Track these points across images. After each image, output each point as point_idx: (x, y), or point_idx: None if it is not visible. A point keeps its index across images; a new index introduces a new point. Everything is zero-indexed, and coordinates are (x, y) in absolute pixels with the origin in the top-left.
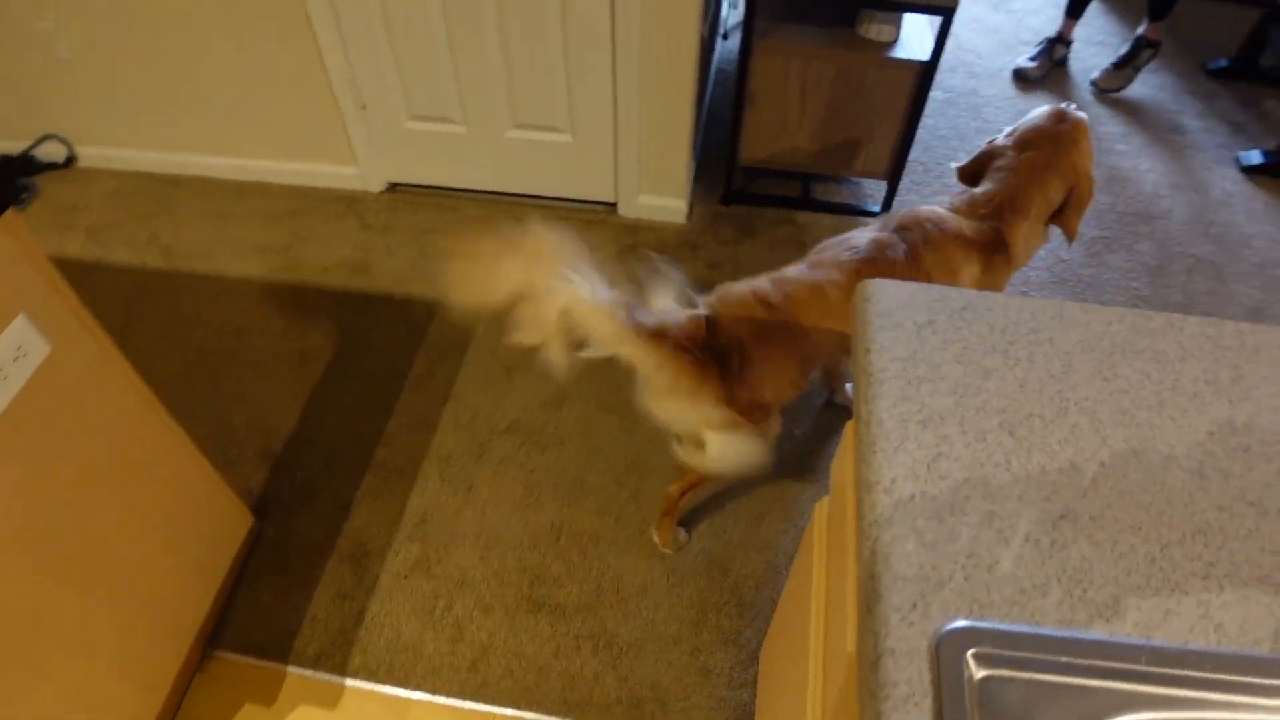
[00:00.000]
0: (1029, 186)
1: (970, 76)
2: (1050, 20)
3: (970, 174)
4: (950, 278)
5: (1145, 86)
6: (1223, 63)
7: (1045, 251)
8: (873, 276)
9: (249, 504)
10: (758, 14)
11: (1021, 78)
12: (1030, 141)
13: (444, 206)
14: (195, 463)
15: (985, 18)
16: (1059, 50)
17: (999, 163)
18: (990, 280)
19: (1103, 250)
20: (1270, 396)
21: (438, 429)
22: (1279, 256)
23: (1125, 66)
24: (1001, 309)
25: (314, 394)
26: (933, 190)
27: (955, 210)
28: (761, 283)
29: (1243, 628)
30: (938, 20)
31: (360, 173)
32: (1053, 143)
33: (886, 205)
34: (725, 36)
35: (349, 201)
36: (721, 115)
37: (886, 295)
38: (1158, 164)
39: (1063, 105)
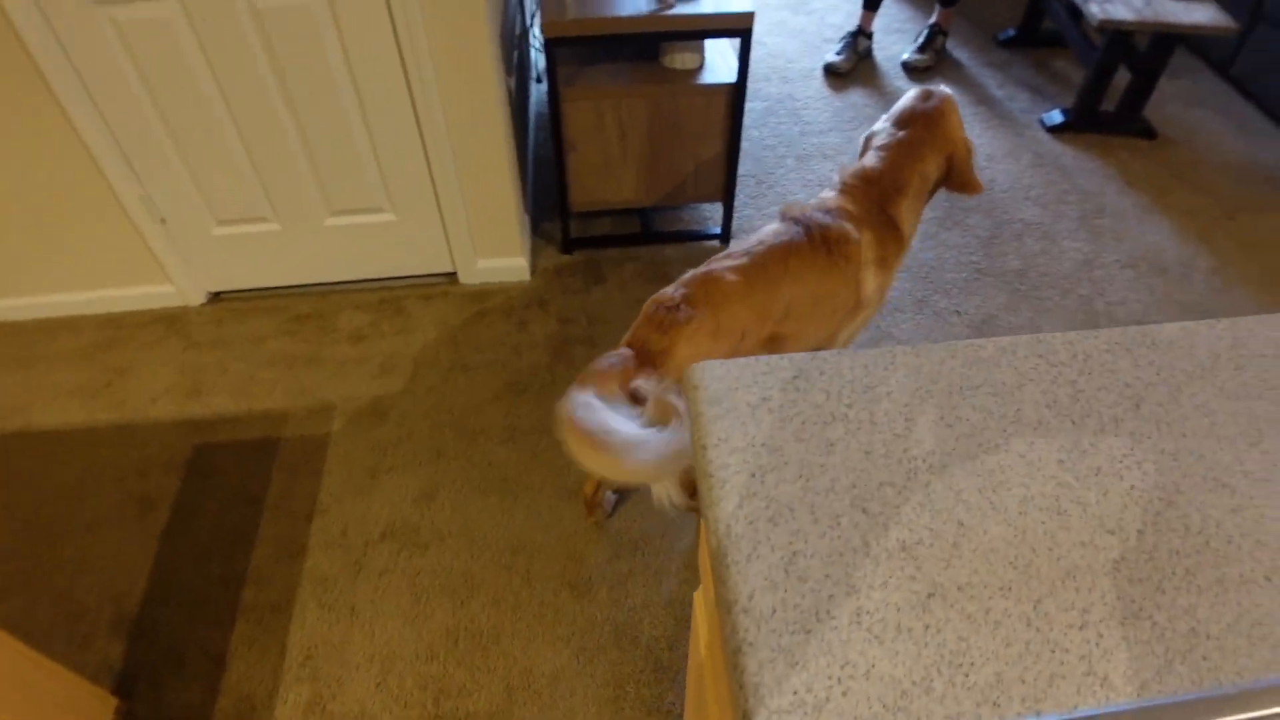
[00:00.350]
0: (909, 163)
1: (784, 81)
2: (849, 16)
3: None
4: (851, 251)
5: (947, 65)
6: (1011, 33)
7: None
8: (781, 260)
9: (109, 684)
10: (560, 62)
11: (832, 73)
12: (904, 122)
13: (274, 308)
14: (34, 665)
15: (788, 21)
16: (862, 43)
17: (879, 140)
18: (886, 254)
19: (938, 231)
20: (1109, 406)
21: (307, 552)
22: (1095, 208)
23: (926, 50)
24: (834, 369)
25: (163, 543)
26: (769, 201)
27: (847, 190)
28: (668, 290)
29: (1127, 675)
30: (739, 40)
31: (175, 289)
32: (924, 119)
33: (726, 225)
34: (539, 80)
35: (168, 321)
36: (546, 158)
37: (713, 378)
38: (972, 138)
39: (929, 86)
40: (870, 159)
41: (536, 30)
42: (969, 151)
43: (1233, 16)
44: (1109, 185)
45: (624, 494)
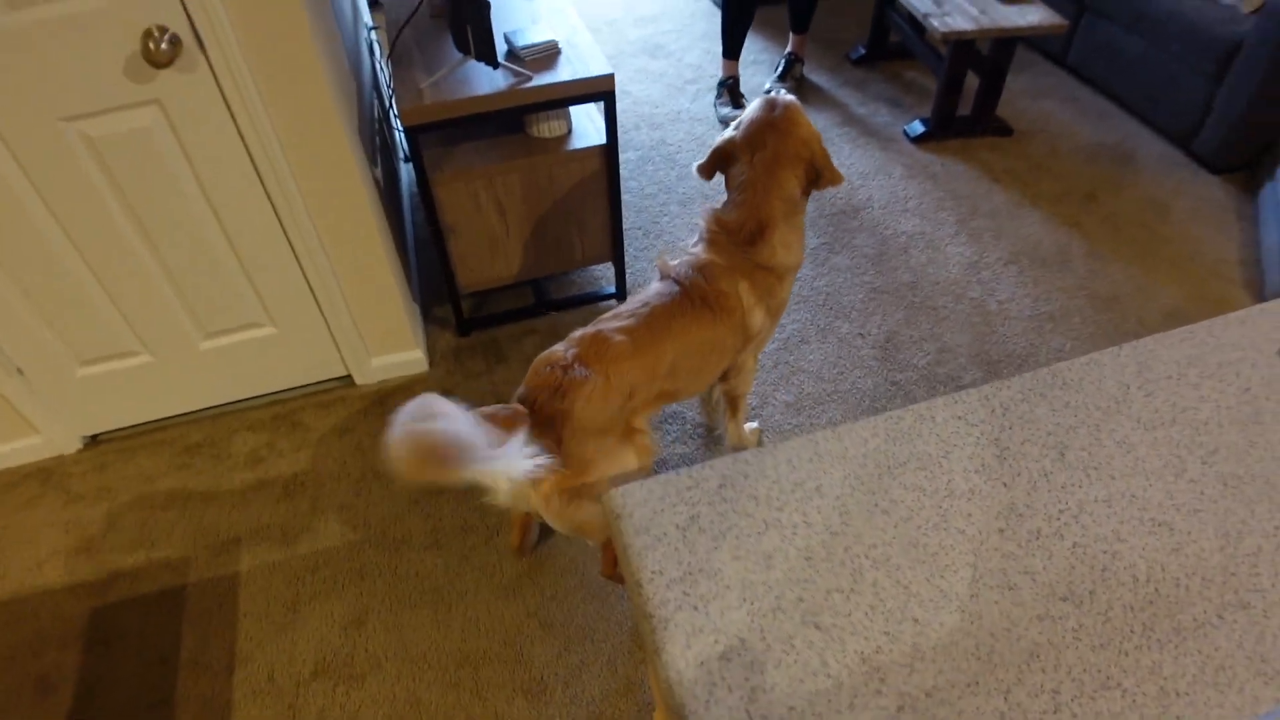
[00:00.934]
0: (768, 198)
1: (654, 128)
2: (705, 54)
3: (710, 169)
4: (731, 304)
5: (807, 89)
6: (861, 51)
7: None
8: (664, 321)
9: None
10: (424, 148)
11: (726, 121)
12: (755, 139)
13: (160, 442)
14: None
15: (647, 67)
16: (736, 87)
17: (735, 170)
18: (768, 290)
19: (828, 256)
20: (1036, 460)
21: (234, 708)
22: (969, 210)
23: (786, 79)
24: (759, 470)
25: None
26: (659, 251)
27: (712, 241)
28: (558, 348)
29: None
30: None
31: (44, 439)
32: (775, 133)
33: (620, 283)
34: (407, 160)
35: (43, 475)
36: (428, 238)
37: (637, 503)
38: (845, 159)
39: (770, 94)
40: (730, 205)
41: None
42: (824, 153)
43: (1060, 13)
44: (978, 186)
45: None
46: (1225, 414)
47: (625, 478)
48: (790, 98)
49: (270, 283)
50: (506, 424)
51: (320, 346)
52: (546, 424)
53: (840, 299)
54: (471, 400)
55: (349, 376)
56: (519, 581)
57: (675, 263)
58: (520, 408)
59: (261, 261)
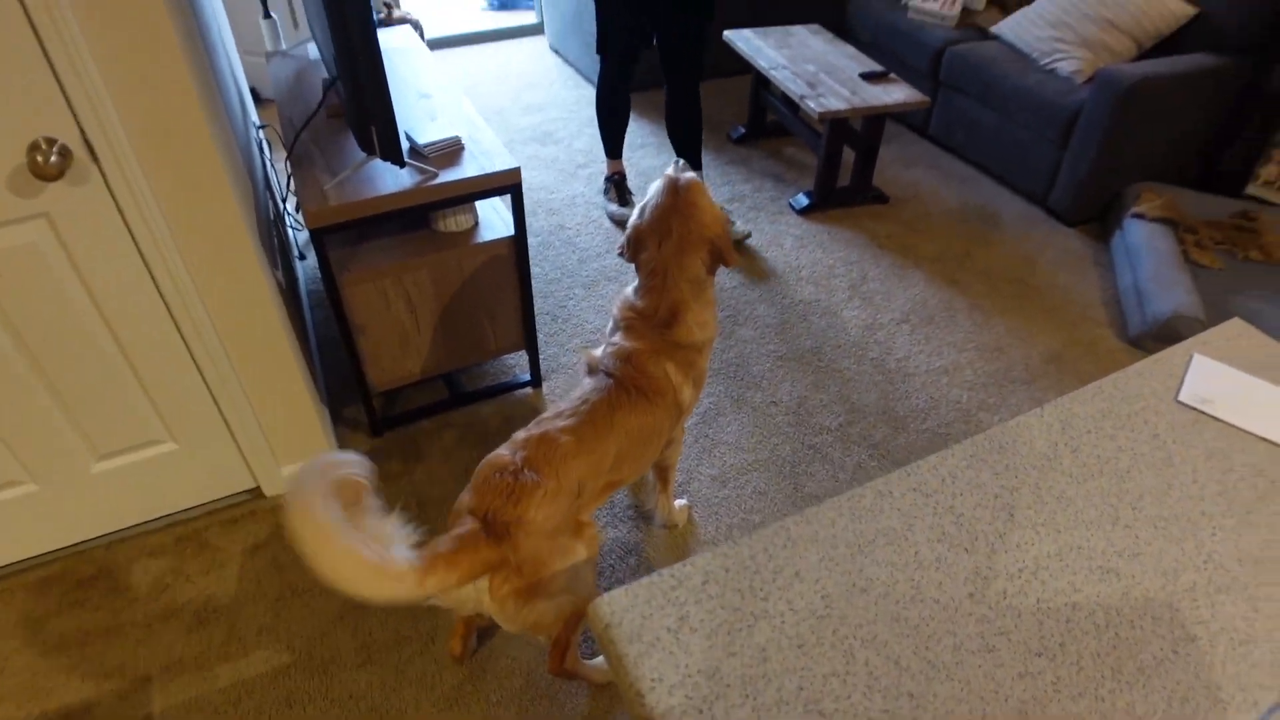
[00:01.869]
0: (677, 283)
1: (551, 213)
2: (593, 140)
3: (632, 253)
4: (663, 386)
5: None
6: (741, 130)
7: None
8: (606, 415)
9: None
10: (329, 248)
11: (618, 221)
12: (660, 225)
13: (49, 579)
14: None
15: (538, 153)
16: (622, 183)
17: (645, 256)
18: (692, 366)
19: (734, 329)
20: (989, 523)
21: None
22: (860, 275)
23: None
24: (738, 563)
25: None
26: (569, 335)
27: (629, 328)
28: (504, 453)
29: None
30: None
31: None
32: (678, 218)
33: (534, 369)
34: (303, 257)
35: None
36: (332, 337)
37: (624, 609)
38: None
39: (671, 173)
40: (641, 290)
41: (291, 208)
42: (725, 234)
43: (919, 89)
44: (865, 252)
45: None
46: (1142, 460)
47: (575, 569)
48: (691, 177)
49: (169, 396)
50: (474, 555)
51: (225, 459)
52: (501, 531)
53: (750, 369)
54: (392, 504)
55: (257, 488)
56: (461, 690)
57: (600, 355)
58: (474, 525)
59: (160, 374)
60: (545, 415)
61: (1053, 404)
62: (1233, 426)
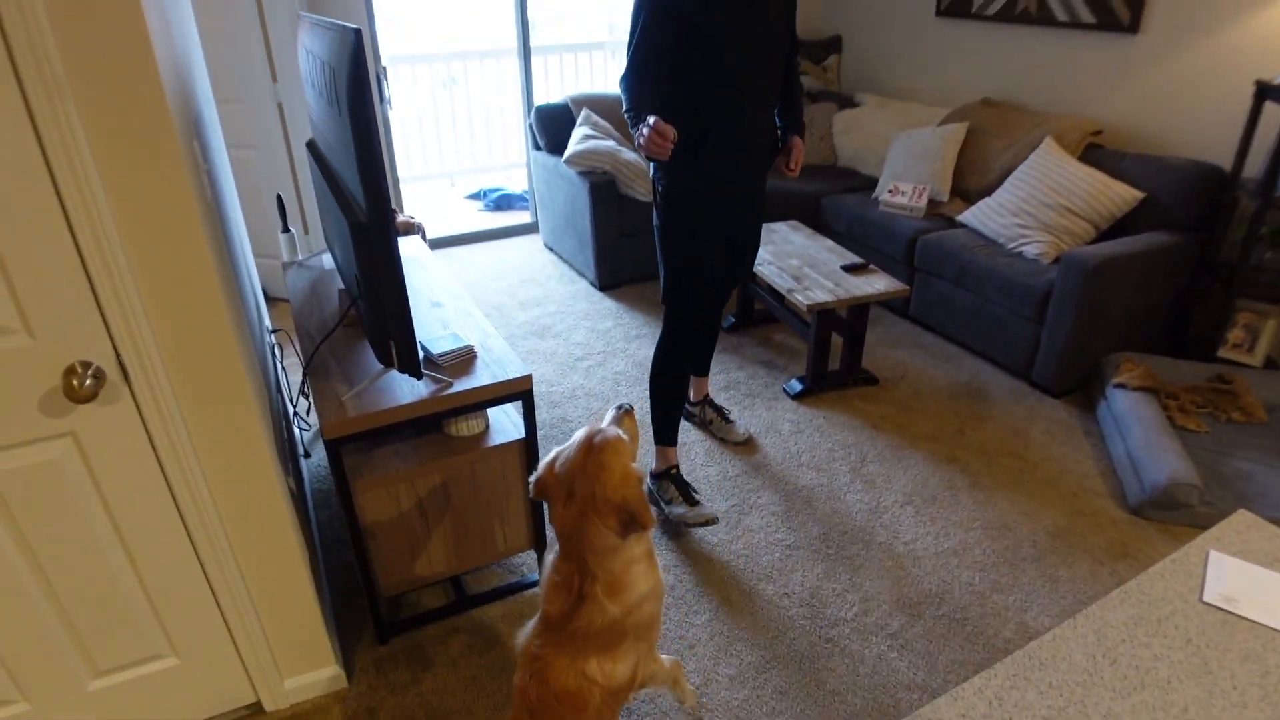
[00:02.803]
0: (582, 558)
1: (553, 406)
2: (590, 333)
3: (539, 495)
4: (586, 693)
5: None
6: (732, 319)
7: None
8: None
9: None
10: (343, 454)
11: (690, 523)
12: (566, 484)
13: None
14: None
15: (538, 347)
16: (680, 477)
17: (553, 513)
18: (622, 639)
19: (739, 518)
20: None
21: None
22: (859, 458)
23: (718, 423)
24: None
25: None
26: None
27: (545, 609)
28: None
29: None
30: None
31: None
32: (584, 479)
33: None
34: (308, 455)
35: None
36: (335, 539)
37: None
38: (735, 418)
39: (591, 428)
40: (553, 558)
41: (301, 410)
42: (638, 489)
43: (895, 275)
44: (861, 434)
45: None
46: (1180, 669)
47: None
48: (612, 434)
49: (176, 610)
50: None
51: (227, 673)
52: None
53: (759, 560)
54: (397, 715)
55: (257, 703)
56: None
57: (520, 637)
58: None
59: (169, 589)
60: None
61: (1084, 613)
62: (1261, 625)
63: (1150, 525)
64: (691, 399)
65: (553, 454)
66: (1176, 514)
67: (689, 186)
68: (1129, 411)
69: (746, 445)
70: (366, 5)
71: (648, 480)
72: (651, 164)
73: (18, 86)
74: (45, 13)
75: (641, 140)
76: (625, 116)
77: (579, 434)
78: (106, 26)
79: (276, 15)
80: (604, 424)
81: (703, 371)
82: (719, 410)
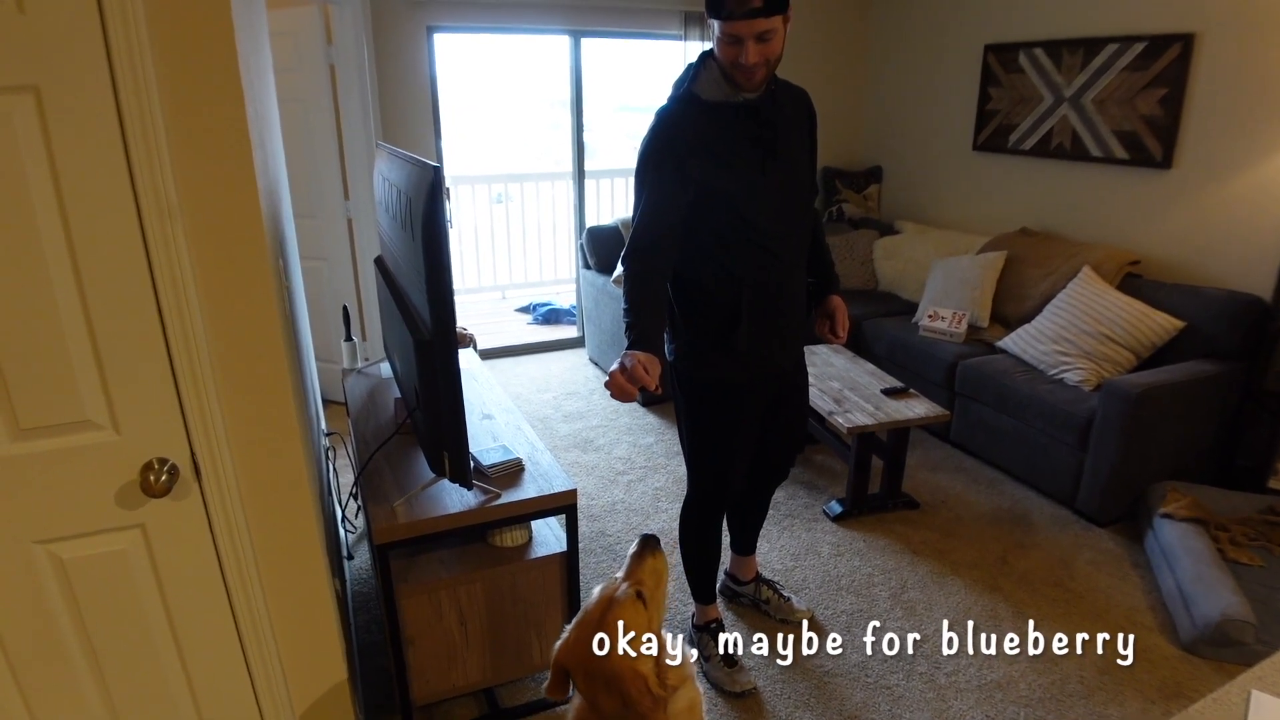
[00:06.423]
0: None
1: (592, 519)
2: (632, 447)
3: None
4: None
5: None
6: None
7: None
8: None
9: None
10: (390, 558)
11: (727, 692)
12: (578, 645)
13: None
14: None
15: (579, 460)
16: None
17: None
18: None
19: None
20: None
21: None
22: (899, 583)
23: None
24: None
25: None
26: None
27: None
28: None
29: None
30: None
31: None
32: (592, 664)
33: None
34: (350, 557)
35: None
36: (371, 644)
37: None
38: (775, 541)
39: (610, 585)
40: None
41: (349, 513)
42: (632, 670)
43: (935, 399)
44: (901, 559)
45: None
46: None
47: None
48: (624, 593)
49: (216, 705)
50: None
51: None
52: None
53: (796, 687)
54: None
55: None
56: None
57: None
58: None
59: (214, 684)
60: None
61: None
62: None
63: (1205, 663)
64: (741, 579)
65: (575, 619)
66: (1230, 651)
67: (722, 375)
68: (1177, 543)
69: (785, 568)
70: (434, 134)
71: (690, 630)
72: (669, 345)
73: (136, 211)
74: (169, 148)
75: (611, 370)
76: (623, 313)
77: (597, 590)
78: (219, 164)
79: (353, 140)
80: (622, 570)
81: (748, 550)
82: (773, 587)
